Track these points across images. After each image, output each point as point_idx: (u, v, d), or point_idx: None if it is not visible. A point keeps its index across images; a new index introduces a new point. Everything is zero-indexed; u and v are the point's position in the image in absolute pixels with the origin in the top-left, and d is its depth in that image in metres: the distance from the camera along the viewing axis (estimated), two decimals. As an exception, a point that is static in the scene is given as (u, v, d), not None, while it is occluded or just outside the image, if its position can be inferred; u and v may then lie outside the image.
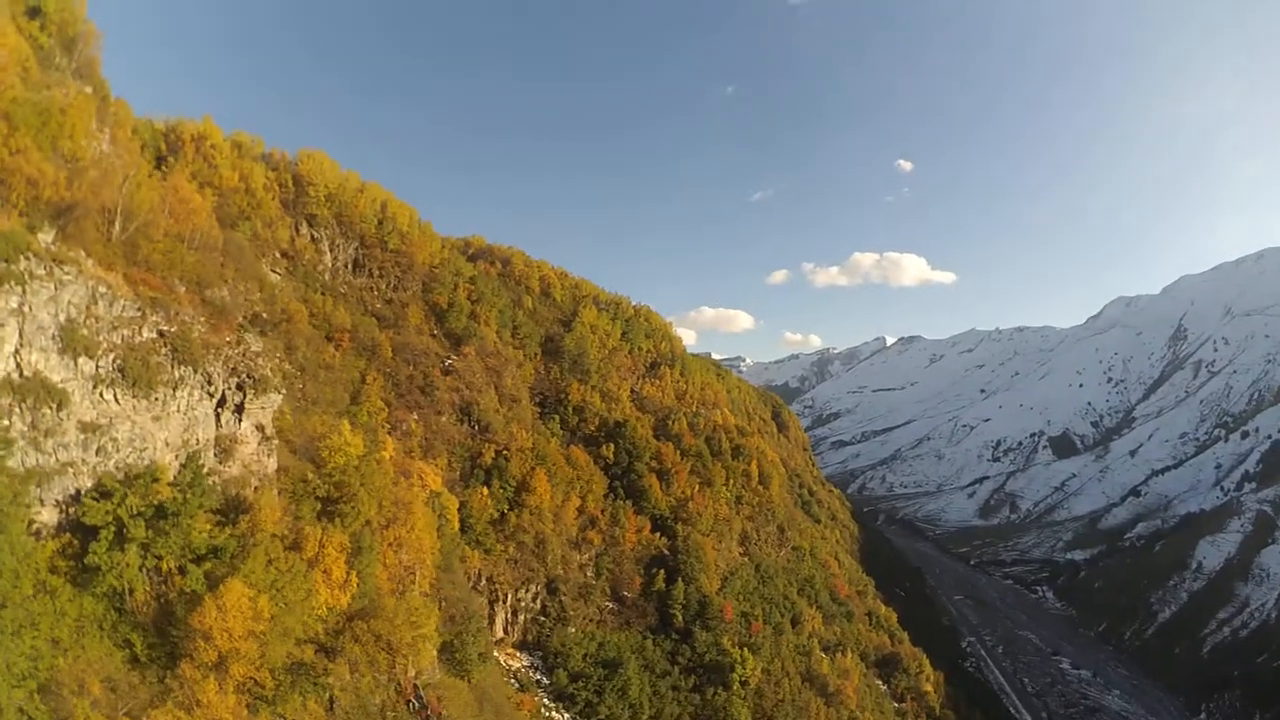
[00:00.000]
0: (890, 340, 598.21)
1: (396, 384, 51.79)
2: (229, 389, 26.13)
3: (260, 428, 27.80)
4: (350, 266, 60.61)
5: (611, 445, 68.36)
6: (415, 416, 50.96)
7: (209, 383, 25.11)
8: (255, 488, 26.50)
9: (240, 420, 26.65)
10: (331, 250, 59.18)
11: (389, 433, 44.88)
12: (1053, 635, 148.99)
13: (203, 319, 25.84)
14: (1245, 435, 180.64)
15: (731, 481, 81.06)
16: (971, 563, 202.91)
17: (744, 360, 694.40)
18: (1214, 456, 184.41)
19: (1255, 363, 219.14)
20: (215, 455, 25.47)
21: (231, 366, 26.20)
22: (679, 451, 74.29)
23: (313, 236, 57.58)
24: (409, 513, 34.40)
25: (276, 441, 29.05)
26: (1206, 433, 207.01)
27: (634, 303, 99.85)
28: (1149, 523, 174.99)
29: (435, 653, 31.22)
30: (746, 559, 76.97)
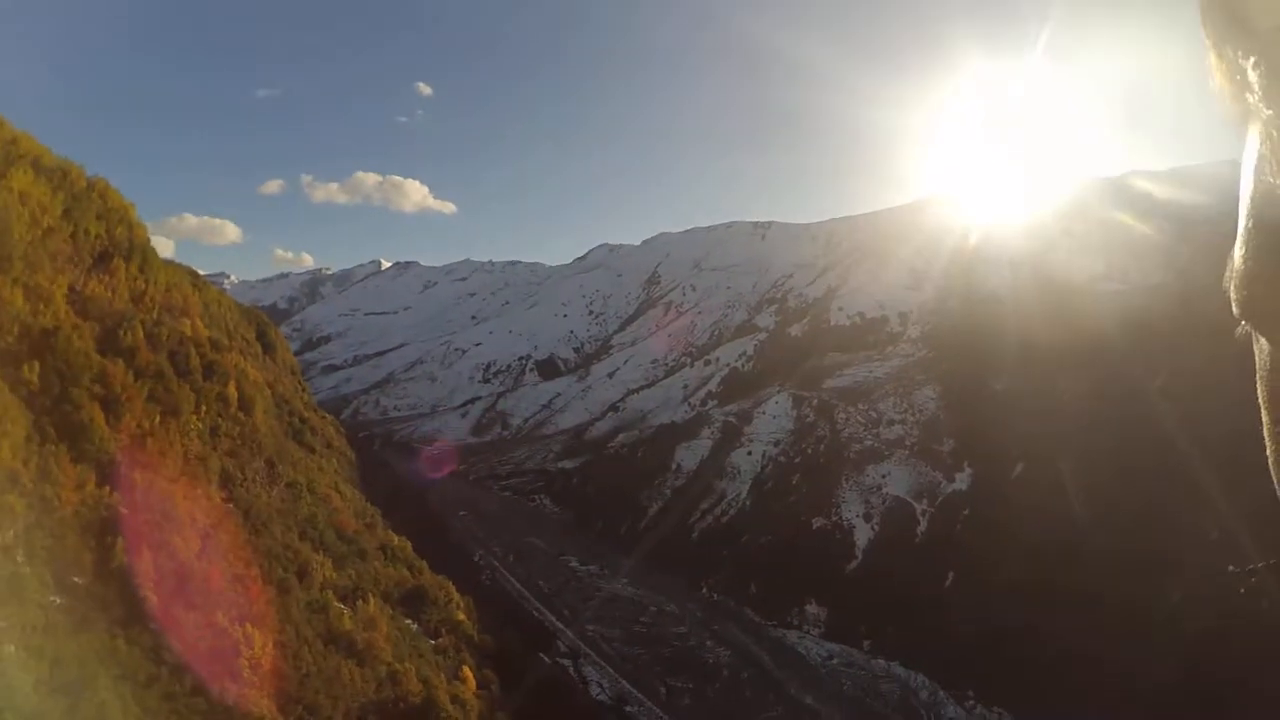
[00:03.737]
0: (386, 265, 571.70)
1: None
2: None
3: None
4: None
5: (38, 364, 47.94)
6: None
7: None
8: None
9: None
10: None
11: None
12: (556, 538, 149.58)
13: None
14: (708, 363, 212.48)
15: (205, 408, 62.51)
16: (471, 479, 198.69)
17: (229, 277, 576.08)
18: (682, 379, 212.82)
19: (717, 308, 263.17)
20: None
21: None
22: (132, 371, 53.65)
23: None
24: None
25: None
26: (675, 360, 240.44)
27: (89, 175, 66.93)
28: (629, 433, 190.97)
29: None
30: (232, 505, 60.71)
